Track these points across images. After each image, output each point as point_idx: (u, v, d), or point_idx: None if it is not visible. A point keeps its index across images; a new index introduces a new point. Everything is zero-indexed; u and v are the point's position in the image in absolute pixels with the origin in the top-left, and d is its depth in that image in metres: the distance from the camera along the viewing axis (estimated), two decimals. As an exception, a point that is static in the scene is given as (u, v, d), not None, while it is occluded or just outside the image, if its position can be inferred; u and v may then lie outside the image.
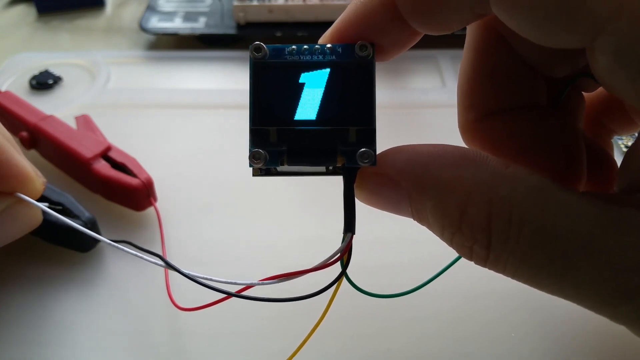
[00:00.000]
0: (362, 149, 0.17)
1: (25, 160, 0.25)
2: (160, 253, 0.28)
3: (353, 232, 0.18)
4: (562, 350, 0.25)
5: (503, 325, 0.25)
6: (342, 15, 0.18)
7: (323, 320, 0.25)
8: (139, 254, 0.21)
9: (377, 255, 0.29)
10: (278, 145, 0.17)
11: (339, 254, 0.18)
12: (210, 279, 0.19)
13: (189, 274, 0.20)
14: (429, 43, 0.18)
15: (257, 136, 0.17)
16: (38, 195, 0.25)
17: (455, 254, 0.18)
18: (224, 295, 0.19)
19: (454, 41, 0.20)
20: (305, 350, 0.25)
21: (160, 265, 0.21)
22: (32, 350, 0.25)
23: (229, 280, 0.19)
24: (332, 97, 0.17)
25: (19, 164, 0.24)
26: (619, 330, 0.16)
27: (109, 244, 0.21)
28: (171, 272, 0.26)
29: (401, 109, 0.39)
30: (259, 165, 0.17)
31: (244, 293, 0.19)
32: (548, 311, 0.26)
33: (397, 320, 0.26)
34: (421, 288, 0.21)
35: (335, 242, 0.18)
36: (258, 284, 0.19)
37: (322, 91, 0.17)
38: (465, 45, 0.20)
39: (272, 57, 0.18)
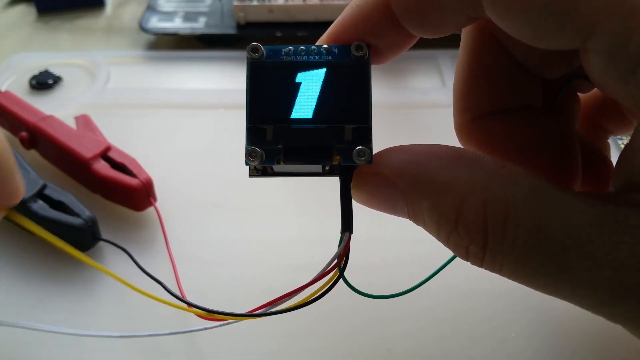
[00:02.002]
0: (359, 147, 0.17)
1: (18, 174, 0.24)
2: (163, 252, 0.29)
3: (351, 232, 0.18)
4: (562, 350, 0.24)
5: (503, 325, 0.25)
6: (338, 18, 0.18)
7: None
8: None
9: (374, 254, 0.29)
10: (274, 143, 0.17)
11: (336, 259, 0.18)
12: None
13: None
14: (429, 43, 0.18)
15: (254, 134, 0.18)
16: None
17: (451, 254, 0.18)
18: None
19: (453, 41, 0.20)
20: (305, 351, 0.25)
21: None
22: (31, 350, 0.25)
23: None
24: (329, 96, 0.17)
25: (19, 183, 0.24)
26: (619, 330, 0.16)
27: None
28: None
29: (401, 109, 0.39)
30: (255, 164, 0.17)
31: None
32: (549, 311, 0.26)
33: (397, 321, 0.26)
34: (417, 288, 0.21)
35: (334, 241, 0.18)
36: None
37: (319, 90, 0.17)
38: (460, 47, 0.20)
39: (269, 57, 0.18)
